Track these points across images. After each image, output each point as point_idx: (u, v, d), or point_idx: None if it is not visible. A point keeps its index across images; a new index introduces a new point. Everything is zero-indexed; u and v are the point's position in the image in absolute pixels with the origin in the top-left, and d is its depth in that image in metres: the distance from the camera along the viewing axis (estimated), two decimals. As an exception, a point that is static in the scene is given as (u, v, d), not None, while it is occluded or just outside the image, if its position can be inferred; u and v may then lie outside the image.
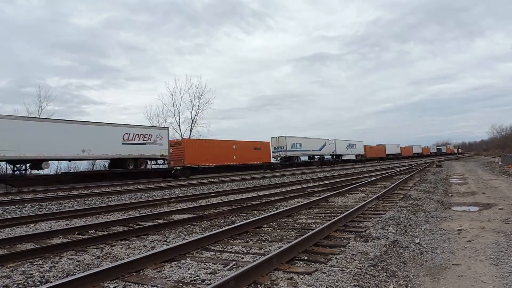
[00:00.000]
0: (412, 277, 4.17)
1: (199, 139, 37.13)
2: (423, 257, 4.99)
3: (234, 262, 4.37)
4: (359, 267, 4.06)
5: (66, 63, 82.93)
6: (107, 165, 28.22)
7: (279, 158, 42.99)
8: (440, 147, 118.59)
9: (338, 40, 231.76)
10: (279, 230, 6.35)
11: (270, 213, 7.56)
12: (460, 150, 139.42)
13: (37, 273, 4.22)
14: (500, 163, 35.02)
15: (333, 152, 54.29)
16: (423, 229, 6.67)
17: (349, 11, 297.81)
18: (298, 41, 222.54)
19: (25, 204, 11.85)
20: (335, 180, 18.79)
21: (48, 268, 4.42)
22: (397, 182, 14.27)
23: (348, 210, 7.47)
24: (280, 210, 8.09)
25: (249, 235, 6.00)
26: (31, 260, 4.83)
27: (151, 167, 28.31)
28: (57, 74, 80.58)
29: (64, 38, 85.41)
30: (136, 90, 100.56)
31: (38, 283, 3.93)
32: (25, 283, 3.90)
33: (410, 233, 6.25)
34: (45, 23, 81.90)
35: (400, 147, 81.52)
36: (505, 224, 7.00)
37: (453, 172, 25.44)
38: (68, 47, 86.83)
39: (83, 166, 32.87)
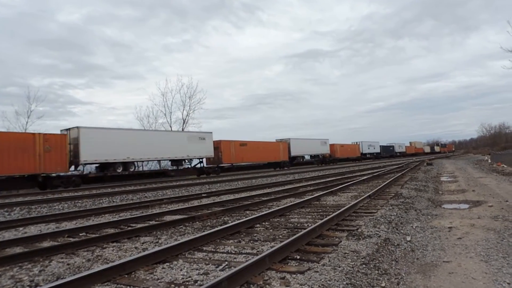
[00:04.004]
0: (403, 275, 4.20)
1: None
2: (415, 255, 5.03)
3: (226, 263, 4.35)
4: (351, 266, 4.08)
5: (47, 61, 79.99)
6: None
7: None
8: (392, 144, 78.66)
9: (331, 35, 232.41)
10: (271, 230, 6.35)
11: (263, 213, 7.56)
12: (439, 148, 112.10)
13: (26, 277, 4.16)
14: (490, 161, 35.55)
15: None
16: (414, 227, 6.73)
17: (343, 5, 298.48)
18: (290, 37, 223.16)
19: (14, 208, 11.67)
20: (327, 179, 18.87)
21: (37, 272, 4.36)
22: (389, 181, 14.37)
23: (340, 209, 7.50)
24: (273, 209, 8.09)
25: (242, 235, 5.99)
26: (20, 264, 4.76)
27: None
28: (39, 73, 77.55)
29: (43, 34, 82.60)
30: (125, 90, 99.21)
31: (28, 287, 3.87)
32: None
33: (402, 231, 6.30)
34: (21, 18, 78.96)
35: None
36: (495, 221, 7.09)
37: (444, 170, 25.72)
38: (48, 44, 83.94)
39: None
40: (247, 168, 37.49)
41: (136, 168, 27.19)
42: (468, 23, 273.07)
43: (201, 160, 31.08)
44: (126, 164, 25.06)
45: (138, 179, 26.32)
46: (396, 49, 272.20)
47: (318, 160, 50.26)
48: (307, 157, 48.86)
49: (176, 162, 29.25)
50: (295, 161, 44.82)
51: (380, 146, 71.93)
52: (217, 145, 32.31)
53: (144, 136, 26.61)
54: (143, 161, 28.13)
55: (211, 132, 31.92)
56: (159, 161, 31.82)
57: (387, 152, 75.07)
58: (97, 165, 24.19)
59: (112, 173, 24.11)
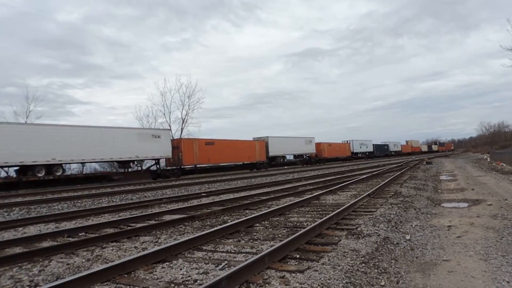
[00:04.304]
0: (403, 273, 4.20)
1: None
2: (414, 254, 5.03)
3: (226, 262, 4.35)
4: (350, 264, 4.08)
5: (46, 61, 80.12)
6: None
7: None
8: (386, 143, 74.25)
9: (330, 34, 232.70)
10: (271, 229, 6.35)
11: (262, 212, 7.56)
12: (437, 147, 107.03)
13: (26, 277, 4.16)
14: (489, 160, 35.59)
15: None
16: (413, 226, 6.73)
17: (341, 3, 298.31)
18: (289, 36, 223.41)
19: (13, 208, 11.66)
20: (327, 178, 18.88)
21: (37, 272, 4.36)
22: (388, 180, 14.38)
23: (339, 208, 7.50)
24: (272, 209, 8.10)
25: (241, 235, 5.99)
26: (19, 264, 4.75)
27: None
28: (37, 73, 77.52)
29: (41, 33, 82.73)
30: (124, 90, 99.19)
31: (27, 287, 3.87)
32: (13, 288, 3.84)
33: (401, 229, 6.30)
34: (20, 17, 78.56)
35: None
36: (494, 219, 7.10)
37: (443, 169, 25.74)
38: (46, 44, 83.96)
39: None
40: (214, 170, 33.49)
41: (65, 171, 23.21)
42: (468, 22, 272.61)
43: (157, 161, 27.53)
44: (50, 167, 21.10)
45: (69, 184, 22.33)
46: (395, 47, 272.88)
47: (303, 160, 47.43)
48: (290, 157, 45.93)
49: (123, 163, 25.88)
50: (274, 162, 41.68)
51: (373, 145, 67.35)
52: (177, 144, 29.02)
53: (74, 133, 22.20)
54: (76, 163, 23.86)
55: (168, 129, 29.61)
56: (98, 162, 28.18)
57: (381, 151, 70.80)
58: (16, 168, 20.74)
59: (29, 178, 20.25)
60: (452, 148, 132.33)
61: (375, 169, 25.27)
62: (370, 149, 66.17)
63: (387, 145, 74.85)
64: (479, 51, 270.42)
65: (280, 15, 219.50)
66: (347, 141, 59.87)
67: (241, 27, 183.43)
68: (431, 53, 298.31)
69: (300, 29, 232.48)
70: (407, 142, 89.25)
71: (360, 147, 62.66)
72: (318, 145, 49.96)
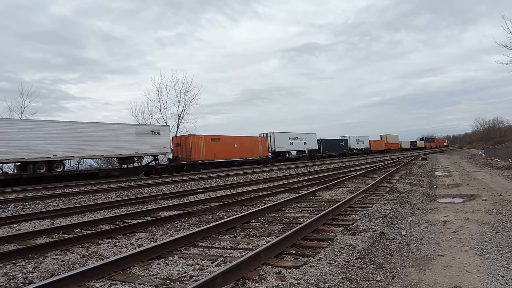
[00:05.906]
0: (399, 269, 4.22)
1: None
2: (410, 249, 5.05)
3: (222, 258, 4.35)
4: (346, 260, 4.09)
5: (38, 55, 77.82)
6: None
7: None
8: (344, 138, 56.62)
9: (327, 28, 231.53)
10: (267, 225, 6.35)
11: (258, 208, 7.56)
12: (423, 143, 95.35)
13: (20, 274, 4.12)
14: (484, 156, 35.81)
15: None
16: (409, 221, 6.76)
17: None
18: (286, 31, 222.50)
19: (8, 204, 11.58)
20: (323, 174, 18.91)
21: (31, 269, 4.32)
22: (384, 175, 14.43)
23: (335, 204, 7.51)
24: (268, 205, 8.10)
25: (237, 231, 5.99)
26: (13, 261, 4.71)
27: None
28: (29, 67, 75.73)
29: (32, 26, 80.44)
30: (119, 85, 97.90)
31: (21, 284, 3.83)
32: (7, 285, 3.80)
33: (397, 225, 6.33)
34: (11, 10, 76.53)
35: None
36: (489, 215, 7.15)
37: (438, 165, 25.88)
38: (38, 37, 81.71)
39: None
40: None
41: None
42: (466, 16, 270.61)
43: None
44: None
45: None
46: (393, 42, 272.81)
47: (136, 169, 26.06)
48: (87, 162, 26.31)
49: None
50: (26, 174, 19.53)
51: (319, 140, 47.88)
52: None
53: None
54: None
55: None
56: None
57: (334, 149, 52.01)
58: None
59: None
60: (446, 144, 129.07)
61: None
62: (313, 145, 46.55)
63: (346, 140, 56.51)
64: (476, 47, 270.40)
65: (277, 9, 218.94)
66: (264, 134, 39.65)
67: (237, 21, 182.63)
68: (428, 48, 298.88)
69: (297, 24, 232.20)
70: (381, 137, 72.11)
71: (291, 144, 42.40)
72: (185, 140, 29.51)
